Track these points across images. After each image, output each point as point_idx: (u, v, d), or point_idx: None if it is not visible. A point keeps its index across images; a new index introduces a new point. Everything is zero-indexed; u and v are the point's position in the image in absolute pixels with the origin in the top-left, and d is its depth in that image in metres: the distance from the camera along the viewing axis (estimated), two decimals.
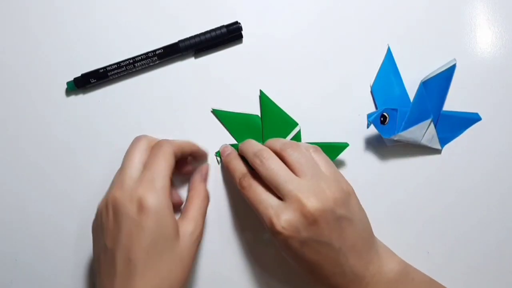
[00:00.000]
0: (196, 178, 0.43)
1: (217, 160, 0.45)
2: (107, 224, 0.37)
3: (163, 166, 0.38)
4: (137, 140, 0.41)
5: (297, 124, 0.44)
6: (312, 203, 0.36)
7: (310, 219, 0.36)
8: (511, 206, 0.45)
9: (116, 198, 0.37)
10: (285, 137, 0.44)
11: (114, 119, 0.45)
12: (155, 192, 0.36)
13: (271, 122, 0.44)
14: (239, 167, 0.41)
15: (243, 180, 0.40)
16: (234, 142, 0.45)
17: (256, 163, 0.39)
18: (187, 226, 0.38)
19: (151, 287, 0.35)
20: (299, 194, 0.36)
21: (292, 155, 0.39)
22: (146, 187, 0.36)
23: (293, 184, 0.37)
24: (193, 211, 0.40)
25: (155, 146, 0.39)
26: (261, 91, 0.44)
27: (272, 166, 0.38)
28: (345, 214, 0.37)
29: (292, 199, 0.36)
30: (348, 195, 0.38)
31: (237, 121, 0.45)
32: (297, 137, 0.44)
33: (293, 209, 0.36)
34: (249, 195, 0.39)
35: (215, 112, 0.45)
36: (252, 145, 0.41)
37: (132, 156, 0.39)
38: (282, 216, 0.36)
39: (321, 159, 0.40)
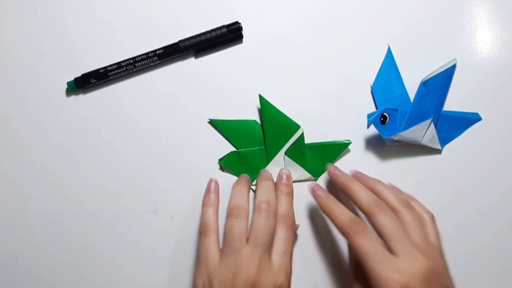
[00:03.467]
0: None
1: (221, 168, 0.44)
2: None
3: (292, 247, 0.40)
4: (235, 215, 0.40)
5: (299, 126, 0.44)
6: (426, 263, 0.35)
7: (423, 279, 0.34)
8: (511, 206, 0.45)
9: (255, 281, 0.36)
10: (287, 141, 0.44)
11: (114, 119, 0.45)
12: (289, 276, 0.38)
13: (272, 126, 0.44)
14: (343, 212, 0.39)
15: (354, 225, 0.37)
16: (234, 149, 0.45)
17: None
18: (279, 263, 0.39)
19: None
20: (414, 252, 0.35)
21: (406, 217, 0.38)
22: (286, 273, 0.38)
23: (407, 243, 0.36)
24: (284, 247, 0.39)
25: (280, 221, 0.40)
26: (260, 96, 0.44)
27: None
28: (449, 285, 0.36)
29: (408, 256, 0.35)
30: (446, 274, 0.37)
31: (235, 129, 0.45)
32: (300, 140, 0.44)
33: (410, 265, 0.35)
34: (363, 242, 0.36)
35: (212, 122, 0.45)
36: (343, 213, 0.38)
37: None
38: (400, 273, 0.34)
39: (433, 230, 0.39)
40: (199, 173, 0.44)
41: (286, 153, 0.44)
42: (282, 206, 0.41)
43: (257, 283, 0.36)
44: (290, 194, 0.42)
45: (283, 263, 0.38)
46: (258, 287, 0.36)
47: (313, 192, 0.40)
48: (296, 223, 0.42)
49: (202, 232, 0.40)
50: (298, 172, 0.44)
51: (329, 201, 0.39)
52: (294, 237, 0.42)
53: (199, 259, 0.39)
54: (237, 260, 0.37)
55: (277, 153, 0.44)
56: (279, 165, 0.44)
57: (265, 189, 0.41)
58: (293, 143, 0.44)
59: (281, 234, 0.39)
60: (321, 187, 0.41)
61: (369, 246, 0.35)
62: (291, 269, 0.38)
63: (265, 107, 0.44)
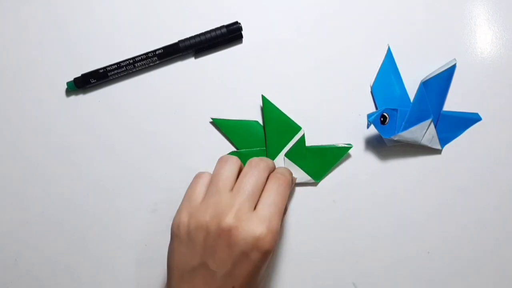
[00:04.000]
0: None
1: None
2: (215, 247, 0.34)
3: (283, 203, 0.36)
4: (226, 160, 0.38)
5: (300, 128, 0.44)
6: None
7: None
8: (511, 206, 0.45)
9: (231, 228, 0.33)
10: (288, 142, 0.44)
11: (114, 119, 0.45)
12: (275, 238, 0.34)
13: (274, 127, 0.44)
14: None
15: None
16: (234, 149, 0.45)
17: None
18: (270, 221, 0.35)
19: None
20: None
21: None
22: (268, 227, 0.33)
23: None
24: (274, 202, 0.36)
25: (274, 176, 0.37)
26: (263, 96, 0.44)
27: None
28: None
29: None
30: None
31: (237, 129, 0.44)
32: (301, 141, 0.44)
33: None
34: None
35: (215, 121, 0.45)
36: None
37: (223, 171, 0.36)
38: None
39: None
40: None
41: (286, 154, 0.44)
42: (279, 169, 0.39)
43: (233, 229, 0.33)
44: (289, 172, 0.39)
45: (268, 215, 0.34)
46: (232, 235, 0.33)
47: None
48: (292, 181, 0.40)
49: (196, 176, 0.38)
50: (298, 174, 0.44)
51: None
52: (288, 196, 0.37)
53: (183, 198, 0.37)
54: (217, 202, 0.34)
55: (277, 154, 0.44)
56: (279, 166, 0.44)
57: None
58: (294, 144, 0.44)
59: (271, 188, 0.36)
60: None
61: None
62: (277, 227, 0.34)
63: (267, 108, 0.44)
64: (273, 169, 0.38)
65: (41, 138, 0.45)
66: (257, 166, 0.36)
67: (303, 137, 0.44)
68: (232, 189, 0.35)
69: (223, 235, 0.33)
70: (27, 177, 0.45)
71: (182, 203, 0.37)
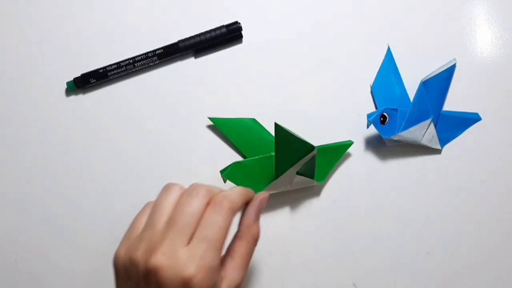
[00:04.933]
0: (249, 212, 0.34)
1: (223, 180, 0.41)
2: (146, 286, 0.30)
3: (220, 235, 0.30)
4: (168, 188, 0.33)
5: (314, 147, 0.40)
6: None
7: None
8: (511, 206, 0.45)
9: (158, 267, 0.29)
10: (299, 159, 0.40)
11: (114, 119, 0.45)
12: (209, 276, 0.29)
13: (286, 149, 0.40)
14: None
15: None
16: (233, 149, 0.45)
17: None
18: (234, 275, 0.31)
19: None
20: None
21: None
22: (198, 265, 0.29)
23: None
24: (241, 258, 0.32)
25: (213, 202, 0.32)
26: (276, 124, 0.38)
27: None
28: None
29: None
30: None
31: (234, 127, 0.44)
32: (314, 159, 0.40)
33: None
34: None
35: (212, 120, 0.44)
36: None
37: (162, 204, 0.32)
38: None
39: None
40: (198, 173, 0.44)
41: (298, 172, 0.41)
42: (224, 192, 0.33)
43: (160, 269, 0.29)
44: (238, 194, 0.33)
45: (199, 251, 0.29)
46: (159, 275, 0.28)
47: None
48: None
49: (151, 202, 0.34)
50: (301, 179, 0.42)
51: None
52: (229, 224, 0.31)
53: (126, 232, 0.33)
54: (150, 236, 0.30)
55: (287, 169, 0.40)
56: (289, 180, 0.42)
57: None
58: (306, 162, 0.40)
59: (207, 217, 0.30)
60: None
61: None
62: (211, 263, 0.29)
63: (280, 134, 0.39)
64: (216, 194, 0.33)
65: (41, 138, 0.45)
66: (196, 193, 0.31)
67: (314, 157, 0.40)
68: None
69: (151, 275, 0.29)
70: (27, 177, 0.45)
71: (125, 234, 0.33)
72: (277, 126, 0.38)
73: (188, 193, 0.32)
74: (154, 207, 0.33)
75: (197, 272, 0.29)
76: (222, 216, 0.31)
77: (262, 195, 0.35)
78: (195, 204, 0.31)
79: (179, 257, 0.29)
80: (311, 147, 0.39)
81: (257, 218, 0.34)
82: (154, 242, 0.30)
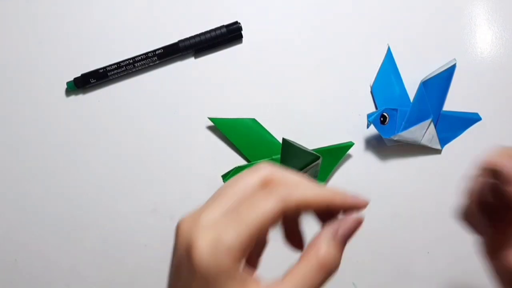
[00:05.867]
0: (325, 233, 0.25)
1: None
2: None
3: (252, 218, 0.23)
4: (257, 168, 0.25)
5: (319, 157, 0.39)
6: None
7: None
8: None
9: (179, 224, 0.24)
10: (304, 166, 0.40)
11: (114, 119, 0.45)
12: (216, 244, 0.22)
13: (291, 159, 0.39)
14: None
15: None
16: (233, 146, 0.45)
17: None
18: None
19: None
20: None
21: None
22: (209, 236, 0.23)
23: None
24: (295, 278, 0.24)
25: (270, 183, 0.25)
26: (284, 139, 0.38)
27: None
28: None
29: None
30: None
31: (234, 127, 0.44)
32: (316, 168, 0.41)
33: None
34: None
35: (211, 120, 0.44)
36: None
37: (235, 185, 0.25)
38: None
39: None
40: (198, 173, 0.44)
41: None
42: (293, 178, 0.26)
43: (179, 226, 0.25)
44: None
45: (220, 225, 0.24)
46: (177, 230, 0.25)
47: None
48: None
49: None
50: None
51: None
52: (272, 218, 0.23)
53: None
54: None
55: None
56: None
57: None
58: (310, 168, 0.41)
59: (252, 197, 0.24)
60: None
61: None
62: (226, 241, 0.23)
63: (287, 147, 0.39)
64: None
65: (41, 138, 0.45)
66: (256, 168, 0.26)
67: (318, 165, 0.40)
68: None
69: (176, 230, 0.25)
70: (27, 177, 0.45)
71: None
72: (285, 141, 0.37)
73: (252, 168, 0.26)
74: None
75: (205, 242, 0.23)
76: (266, 201, 0.23)
77: (357, 216, 0.26)
78: (247, 179, 0.25)
79: (200, 221, 0.24)
80: (316, 157, 0.39)
81: (336, 242, 0.25)
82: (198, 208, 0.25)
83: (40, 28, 0.46)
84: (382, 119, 0.42)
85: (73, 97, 0.46)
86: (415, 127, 0.43)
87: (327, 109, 0.45)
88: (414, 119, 0.43)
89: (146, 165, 0.45)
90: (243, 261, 0.23)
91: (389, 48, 0.46)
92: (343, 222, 0.25)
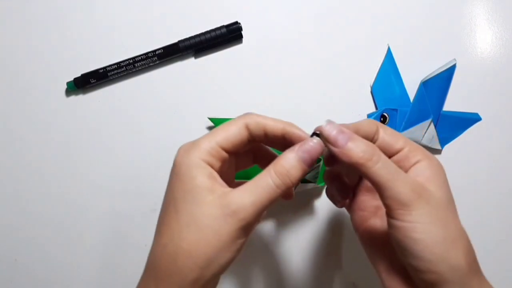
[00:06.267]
0: (286, 151, 0.30)
1: None
2: None
3: (219, 131, 0.30)
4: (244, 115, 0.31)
5: (320, 159, 0.39)
6: None
7: None
8: (511, 206, 0.45)
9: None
10: None
11: (114, 119, 0.45)
12: (188, 149, 0.29)
13: None
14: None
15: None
16: None
17: None
18: (235, 197, 0.28)
19: (163, 251, 0.29)
20: None
21: None
22: (189, 144, 0.30)
23: None
24: (253, 185, 0.28)
25: None
26: None
27: None
28: None
29: None
30: None
31: None
32: (317, 170, 0.41)
33: None
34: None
35: (211, 120, 0.44)
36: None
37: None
38: None
39: None
40: None
41: (302, 181, 0.41)
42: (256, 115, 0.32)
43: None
44: None
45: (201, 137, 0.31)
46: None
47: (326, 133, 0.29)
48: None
49: None
50: (307, 185, 0.42)
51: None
52: (233, 133, 0.31)
53: None
54: None
55: None
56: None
57: None
58: (311, 170, 0.40)
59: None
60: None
61: None
62: (190, 145, 0.31)
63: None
64: None
65: (41, 138, 0.45)
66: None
67: (320, 166, 0.40)
68: None
69: None
70: (27, 177, 0.45)
71: None
72: None
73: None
74: None
75: (184, 146, 0.30)
76: (233, 122, 0.30)
77: (317, 140, 0.29)
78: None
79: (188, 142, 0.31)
80: (318, 160, 0.39)
81: (294, 154, 0.29)
82: None
83: (40, 28, 0.46)
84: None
85: (73, 97, 0.46)
86: (415, 127, 0.43)
87: (327, 109, 0.45)
88: (414, 119, 0.43)
89: (146, 164, 0.45)
90: (214, 163, 0.29)
91: (389, 48, 0.46)
92: (303, 142, 0.29)
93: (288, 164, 0.29)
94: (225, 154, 0.30)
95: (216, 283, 0.30)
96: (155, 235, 0.30)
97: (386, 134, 0.31)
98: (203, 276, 0.28)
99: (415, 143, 0.31)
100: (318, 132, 0.29)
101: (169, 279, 0.28)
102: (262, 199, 0.28)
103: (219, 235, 0.28)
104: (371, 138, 0.31)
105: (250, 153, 0.35)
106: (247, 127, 0.30)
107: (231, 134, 0.30)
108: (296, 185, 0.30)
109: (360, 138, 0.29)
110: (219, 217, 0.28)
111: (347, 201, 0.35)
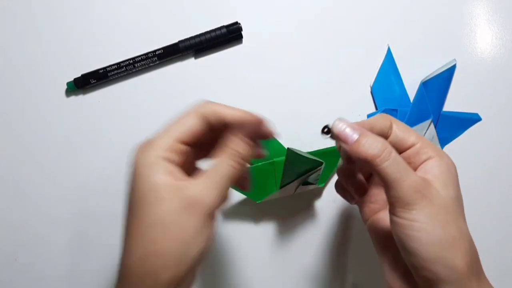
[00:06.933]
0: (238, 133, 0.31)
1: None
2: None
3: (174, 126, 0.31)
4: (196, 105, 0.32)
5: (322, 163, 0.39)
6: None
7: None
8: (511, 206, 0.45)
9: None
10: (306, 172, 0.39)
11: (114, 119, 0.45)
12: (144, 149, 0.30)
13: (295, 167, 0.39)
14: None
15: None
16: None
17: None
18: (194, 186, 0.28)
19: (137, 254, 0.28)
20: None
21: None
22: (145, 143, 0.30)
23: None
24: (212, 171, 0.29)
25: None
26: (288, 149, 0.37)
27: None
28: None
29: None
30: None
31: None
32: (318, 172, 0.40)
33: None
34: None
35: None
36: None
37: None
38: None
39: None
40: None
41: (303, 183, 0.41)
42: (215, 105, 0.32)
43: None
44: None
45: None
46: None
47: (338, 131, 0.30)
48: None
49: None
50: (308, 187, 0.42)
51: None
52: (184, 123, 0.32)
53: None
54: None
55: (293, 181, 0.39)
56: (293, 188, 0.41)
57: None
58: (313, 173, 0.40)
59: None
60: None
61: None
62: (148, 140, 0.31)
63: (291, 157, 0.38)
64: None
65: (41, 138, 0.45)
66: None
67: (322, 168, 0.40)
68: None
69: None
70: (27, 177, 0.45)
71: None
72: (290, 151, 0.37)
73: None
74: None
75: (140, 145, 0.30)
76: (188, 114, 0.32)
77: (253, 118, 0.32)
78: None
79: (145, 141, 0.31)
80: (319, 163, 0.39)
81: (241, 135, 0.31)
82: None
83: (40, 28, 0.46)
84: None
85: (73, 98, 0.46)
86: (415, 128, 0.43)
87: (327, 109, 0.45)
88: (414, 120, 0.43)
89: None
90: (174, 157, 0.30)
91: (389, 48, 0.46)
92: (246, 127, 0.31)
93: (238, 145, 0.30)
94: (184, 147, 0.30)
95: (193, 277, 0.30)
96: (123, 242, 0.29)
97: (399, 129, 0.31)
98: (178, 272, 0.27)
99: (427, 139, 0.32)
100: (328, 128, 0.31)
101: (143, 283, 0.28)
102: (221, 181, 0.29)
103: (184, 228, 0.27)
104: (385, 133, 0.31)
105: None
106: (204, 117, 0.31)
107: (186, 127, 0.31)
108: (249, 162, 0.31)
109: (371, 134, 0.30)
110: (181, 210, 0.28)
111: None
